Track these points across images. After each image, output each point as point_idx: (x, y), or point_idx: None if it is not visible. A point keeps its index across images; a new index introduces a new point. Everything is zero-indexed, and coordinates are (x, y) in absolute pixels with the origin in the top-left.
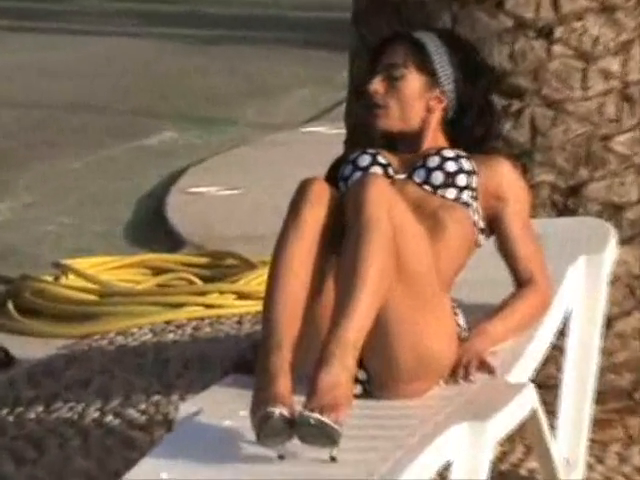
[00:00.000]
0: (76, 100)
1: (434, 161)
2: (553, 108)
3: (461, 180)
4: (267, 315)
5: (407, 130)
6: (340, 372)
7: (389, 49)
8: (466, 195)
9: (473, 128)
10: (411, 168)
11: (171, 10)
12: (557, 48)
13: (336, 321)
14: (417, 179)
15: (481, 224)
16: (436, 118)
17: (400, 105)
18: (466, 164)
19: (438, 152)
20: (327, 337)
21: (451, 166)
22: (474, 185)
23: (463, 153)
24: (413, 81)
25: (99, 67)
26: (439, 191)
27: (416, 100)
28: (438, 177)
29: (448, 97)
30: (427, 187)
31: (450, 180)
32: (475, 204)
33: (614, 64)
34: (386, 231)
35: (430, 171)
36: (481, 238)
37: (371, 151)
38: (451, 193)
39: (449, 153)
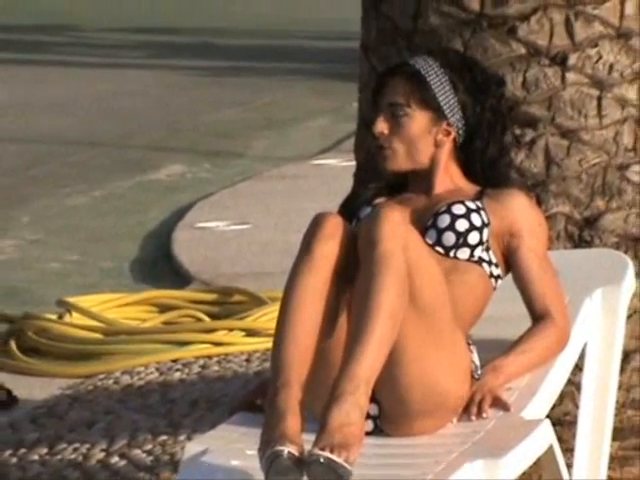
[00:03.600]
0: (83, 134)
1: (444, 221)
2: (568, 137)
3: (473, 238)
4: (277, 351)
5: (417, 168)
6: (352, 410)
7: (390, 84)
8: (478, 251)
9: (487, 148)
10: (422, 227)
11: (182, 42)
12: (571, 76)
13: (348, 358)
14: (429, 240)
15: (496, 271)
16: (446, 151)
17: (406, 145)
18: (477, 219)
19: (448, 209)
20: (339, 374)
21: (462, 225)
22: (486, 237)
23: (473, 204)
24: (418, 119)
25: (108, 100)
26: (451, 252)
27: (422, 138)
28: (450, 239)
29: (456, 126)
30: (439, 248)
31: (461, 240)
32: (489, 255)
33: (630, 91)
34: (399, 267)
35: (441, 232)
36: (497, 283)
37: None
38: (464, 253)
39: (459, 209)
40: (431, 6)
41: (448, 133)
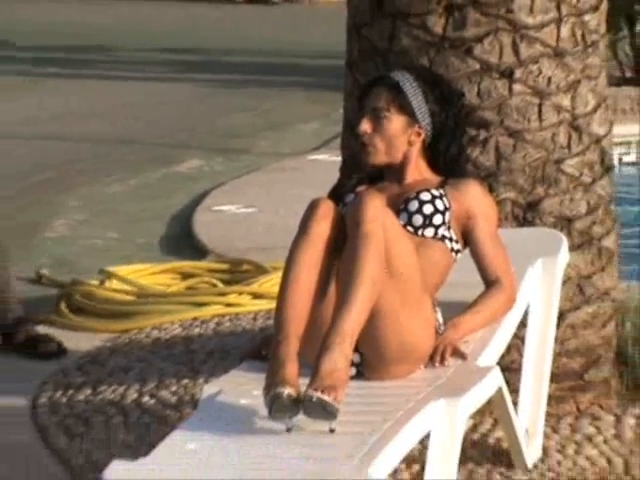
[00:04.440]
0: (119, 135)
1: (413, 206)
2: (514, 137)
3: (437, 219)
4: (279, 311)
5: (392, 162)
6: (339, 358)
7: (373, 92)
8: (442, 230)
9: (448, 148)
10: (395, 210)
11: (200, 59)
12: (517, 87)
13: (336, 316)
14: (401, 221)
15: (456, 246)
16: (417, 149)
17: (385, 143)
18: (440, 204)
19: (417, 196)
20: (329, 329)
21: (428, 209)
22: (448, 219)
23: (437, 192)
24: (395, 121)
25: (139, 108)
26: (419, 231)
27: (398, 137)
28: (418, 220)
29: (425, 129)
30: (410, 228)
31: (428, 221)
32: (450, 233)
33: (565, 100)
34: (379, 242)
35: (411, 215)
36: (457, 256)
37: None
38: (429, 232)
39: (426, 196)
40: (403, 30)
41: (419, 134)
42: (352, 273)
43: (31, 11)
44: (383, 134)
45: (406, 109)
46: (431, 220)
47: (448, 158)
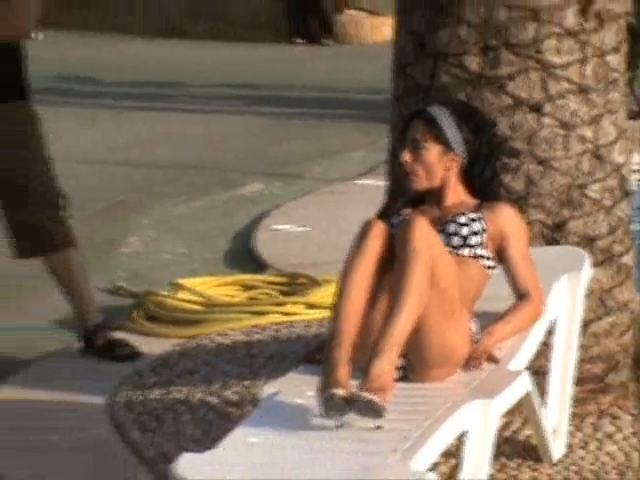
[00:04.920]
0: (188, 161)
1: (452, 228)
2: (542, 165)
3: (473, 240)
4: (334, 320)
5: (432, 187)
6: (387, 363)
7: (413, 124)
8: (477, 250)
9: (483, 172)
10: (436, 231)
11: (262, 94)
12: (545, 120)
13: (386, 325)
14: None
15: (490, 263)
16: (453, 174)
17: (425, 170)
18: (476, 226)
19: (454, 219)
20: (378, 336)
21: (465, 231)
22: (483, 239)
23: (474, 215)
24: (432, 151)
25: (206, 137)
26: (457, 250)
27: (436, 165)
28: (455, 240)
29: (460, 156)
30: (448, 248)
31: (464, 242)
32: (485, 252)
33: (588, 132)
34: (426, 260)
35: (449, 236)
36: (491, 272)
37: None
38: (466, 251)
39: (463, 219)
40: (442, 69)
41: (454, 160)
42: (401, 286)
43: (115, 49)
44: (422, 163)
45: (441, 139)
46: (468, 241)
47: (482, 182)
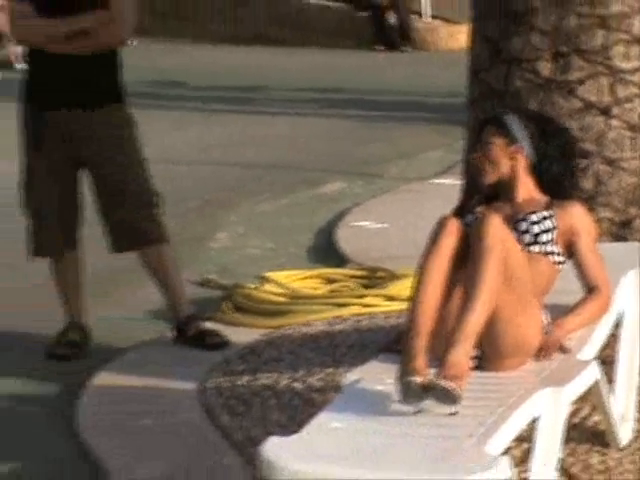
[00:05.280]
0: (273, 161)
1: (523, 226)
2: (611, 165)
3: (543, 238)
4: (411, 311)
5: (502, 178)
6: (462, 353)
7: (485, 128)
8: (548, 246)
9: (552, 172)
10: (509, 228)
11: (344, 98)
12: (614, 122)
13: (461, 317)
14: None
15: (560, 259)
16: (521, 167)
17: (491, 162)
18: (548, 223)
19: (526, 217)
20: (454, 328)
21: (535, 229)
22: (553, 237)
23: (546, 213)
24: (497, 144)
25: (290, 138)
26: (528, 247)
27: (500, 156)
28: (526, 238)
29: (527, 152)
30: (520, 244)
31: (535, 239)
32: (555, 248)
33: None
34: (499, 255)
35: (521, 233)
36: (561, 267)
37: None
38: (536, 248)
39: (534, 218)
40: (516, 74)
41: (519, 152)
42: (475, 281)
43: (205, 56)
44: (489, 156)
45: (506, 133)
46: (538, 238)
47: (552, 180)
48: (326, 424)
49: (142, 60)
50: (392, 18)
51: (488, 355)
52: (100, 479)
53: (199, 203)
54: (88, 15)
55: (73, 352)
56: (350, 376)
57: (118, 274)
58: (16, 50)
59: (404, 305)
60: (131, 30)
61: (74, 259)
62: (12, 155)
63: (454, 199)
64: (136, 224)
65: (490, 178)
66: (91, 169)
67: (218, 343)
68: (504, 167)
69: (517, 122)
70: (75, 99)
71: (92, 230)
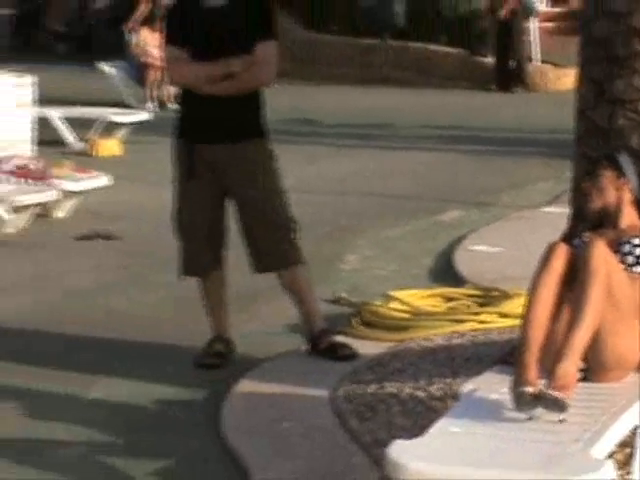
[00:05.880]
0: (397, 191)
1: (626, 248)
2: None
3: None
4: (523, 327)
5: (608, 206)
6: (570, 365)
7: (599, 162)
8: None
9: None
10: (612, 251)
11: (461, 134)
12: None
13: (568, 334)
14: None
15: None
16: (627, 198)
17: (600, 192)
18: None
19: (629, 240)
20: (562, 343)
21: (638, 251)
22: None
23: None
24: (606, 176)
25: (413, 171)
26: (630, 268)
27: (609, 187)
28: (629, 260)
29: (632, 185)
30: (622, 266)
31: (637, 260)
32: None
33: None
34: (603, 277)
35: (624, 255)
36: None
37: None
38: (639, 269)
39: (636, 240)
40: (620, 113)
41: (625, 185)
42: (581, 300)
43: (334, 97)
44: (598, 187)
45: (615, 167)
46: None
47: None
48: (446, 429)
49: (282, 100)
50: (512, 63)
51: (593, 368)
52: (240, 475)
53: (330, 229)
54: (236, 60)
55: (219, 362)
56: (467, 386)
57: (258, 292)
58: (170, 91)
59: (517, 322)
60: (274, 74)
61: (220, 278)
62: (167, 183)
63: (561, 226)
64: (276, 247)
65: (596, 205)
66: (236, 197)
67: (348, 355)
68: (610, 197)
69: (628, 160)
70: (223, 134)
71: (236, 252)
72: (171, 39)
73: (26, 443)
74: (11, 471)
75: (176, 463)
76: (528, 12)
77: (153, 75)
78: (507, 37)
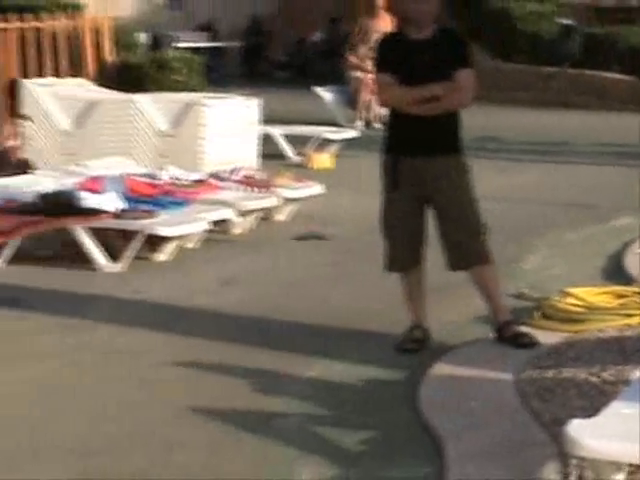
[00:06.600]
0: (572, 200)
1: None
2: None
3: None
4: None
5: None
6: None
7: None
8: None
9: None
10: None
11: (629, 150)
12: None
13: None
14: None
15: None
16: None
17: None
18: None
19: None
20: None
21: None
22: None
23: None
24: None
25: (585, 183)
26: None
27: None
28: None
29: None
30: None
31: None
32: None
33: None
34: None
35: None
36: None
37: None
38: None
39: None
40: None
41: None
42: None
43: (515, 118)
44: None
45: None
46: None
47: None
48: (618, 410)
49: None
50: None
51: None
52: (435, 445)
53: (514, 232)
54: (439, 85)
55: (418, 347)
56: (638, 372)
57: (452, 287)
58: (377, 112)
59: None
60: (471, 98)
61: (419, 274)
62: (371, 192)
63: None
64: (469, 247)
65: None
66: (435, 204)
67: (529, 343)
68: None
69: None
70: (425, 150)
71: (433, 251)
72: (382, 67)
73: (256, 414)
74: (244, 440)
75: (380, 434)
76: None
77: (364, 97)
78: None
